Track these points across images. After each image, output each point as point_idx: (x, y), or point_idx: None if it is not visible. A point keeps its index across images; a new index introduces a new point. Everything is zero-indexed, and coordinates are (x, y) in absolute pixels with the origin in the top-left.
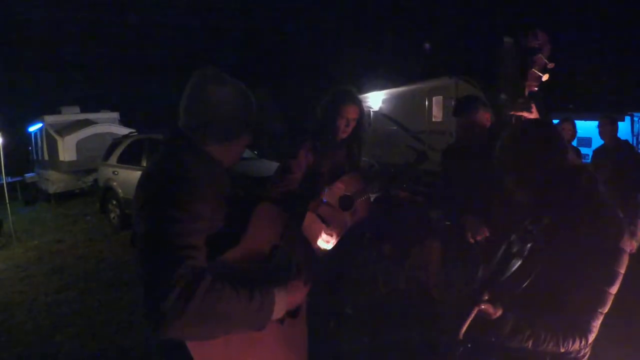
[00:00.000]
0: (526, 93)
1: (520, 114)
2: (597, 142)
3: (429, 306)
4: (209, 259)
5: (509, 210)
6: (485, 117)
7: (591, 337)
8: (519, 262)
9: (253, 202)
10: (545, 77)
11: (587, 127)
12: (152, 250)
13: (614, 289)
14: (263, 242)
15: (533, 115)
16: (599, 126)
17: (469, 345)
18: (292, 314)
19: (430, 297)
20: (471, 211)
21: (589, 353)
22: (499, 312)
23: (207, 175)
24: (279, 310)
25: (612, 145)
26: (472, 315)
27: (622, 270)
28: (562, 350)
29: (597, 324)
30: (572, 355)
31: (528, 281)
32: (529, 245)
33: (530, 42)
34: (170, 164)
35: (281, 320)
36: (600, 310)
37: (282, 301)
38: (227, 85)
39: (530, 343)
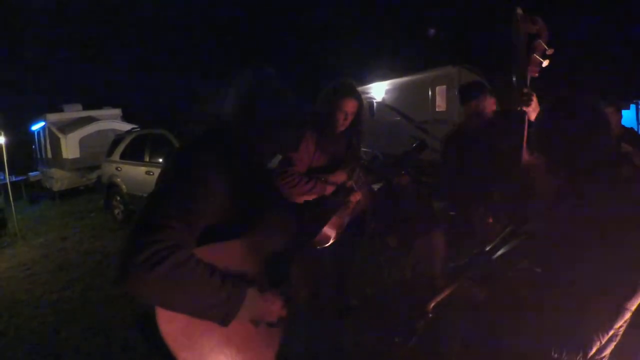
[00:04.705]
0: (528, 79)
1: (525, 108)
2: None
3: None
4: (206, 241)
5: (529, 197)
6: (490, 102)
7: (591, 352)
8: (518, 241)
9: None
10: (545, 63)
11: None
12: (145, 211)
13: (632, 305)
14: (265, 242)
15: (532, 108)
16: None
17: (430, 315)
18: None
19: (435, 288)
20: (475, 200)
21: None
22: (483, 294)
23: (225, 163)
24: (245, 312)
25: (619, 135)
26: (448, 291)
27: None
28: (555, 356)
29: (603, 339)
30: None
31: (523, 262)
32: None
33: (529, 28)
34: (188, 148)
35: (256, 323)
36: (610, 325)
37: (251, 305)
38: (264, 82)
39: (517, 337)
